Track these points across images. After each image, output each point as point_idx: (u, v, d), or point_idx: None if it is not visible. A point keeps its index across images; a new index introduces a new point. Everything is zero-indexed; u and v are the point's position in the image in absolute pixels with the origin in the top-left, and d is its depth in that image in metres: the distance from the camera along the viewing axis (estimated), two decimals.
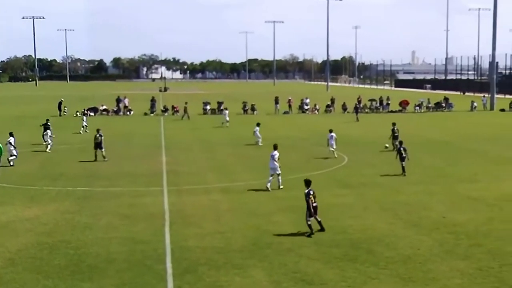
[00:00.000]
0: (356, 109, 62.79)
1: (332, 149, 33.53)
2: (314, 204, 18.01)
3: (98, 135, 32.86)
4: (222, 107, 65.09)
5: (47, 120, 39.71)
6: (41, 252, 16.30)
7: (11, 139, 31.40)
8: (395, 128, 36.11)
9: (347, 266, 14.98)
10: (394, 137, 35.35)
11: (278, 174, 24.80)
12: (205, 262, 15.33)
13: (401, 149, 28.11)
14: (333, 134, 33.78)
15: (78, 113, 65.52)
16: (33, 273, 14.63)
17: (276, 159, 24.76)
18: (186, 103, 63.48)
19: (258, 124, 39.51)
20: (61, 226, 19.00)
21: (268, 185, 24.38)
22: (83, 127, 47.82)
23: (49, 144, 36.59)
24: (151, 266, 15.05)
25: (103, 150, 32.69)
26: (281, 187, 24.64)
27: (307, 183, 18.55)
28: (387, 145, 36.29)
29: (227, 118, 53.45)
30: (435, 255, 15.84)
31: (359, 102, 73.10)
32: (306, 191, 18.19)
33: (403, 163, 27.83)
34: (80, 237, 17.75)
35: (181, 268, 14.90)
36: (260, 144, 37.95)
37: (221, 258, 15.64)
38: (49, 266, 15.17)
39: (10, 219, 19.98)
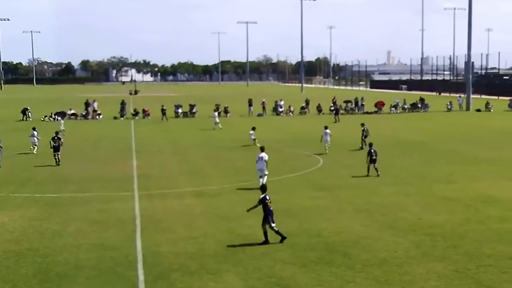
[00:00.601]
0: (336, 110, 63.54)
1: (327, 145, 35.59)
2: (271, 209, 17.57)
3: (56, 138, 32.89)
4: (218, 110, 64.69)
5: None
6: (8, 260, 16.08)
7: None
8: (365, 128, 37.83)
9: (322, 269, 15.04)
10: (365, 136, 37.28)
11: (265, 175, 24.88)
12: (178, 268, 15.28)
13: (372, 151, 28.33)
14: (328, 130, 36.21)
15: (46, 118, 64.92)
16: (0, 283, 14.46)
17: (265, 160, 25.05)
18: (163, 105, 63.94)
19: (253, 128, 40.17)
20: (28, 234, 18.77)
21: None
22: (61, 131, 47.67)
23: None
24: (122, 273, 14.95)
25: (59, 153, 32.58)
26: None
27: (263, 188, 18.24)
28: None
29: (217, 120, 53.67)
30: (412, 257, 15.98)
31: (334, 103, 73.62)
32: (262, 196, 17.67)
33: (375, 164, 28.10)
34: (48, 244, 17.56)
35: (153, 274, 14.83)
36: (257, 144, 37.62)
37: (194, 263, 15.59)
38: (16, 274, 14.97)
39: None
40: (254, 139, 39.59)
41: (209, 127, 53.71)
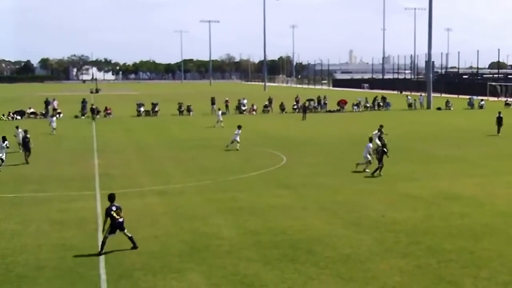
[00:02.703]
0: (304, 109, 64.26)
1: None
2: (120, 220, 16.39)
3: (25, 136, 32.70)
4: (216, 108, 63.60)
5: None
6: None
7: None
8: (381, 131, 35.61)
9: (287, 267, 15.09)
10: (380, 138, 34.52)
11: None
12: (141, 267, 15.16)
13: (383, 150, 28.24)
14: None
15: (4, 117, 63.79)
16: None
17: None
18: (92, 104, 65.80)
19: (239, 127, 38.30)
20: None
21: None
22: (53, 129, 47.76)
23: None
24: (84, 273, 14.76)
25: (29, 153, 32.41)
26: None
27: (111, 198, 16.85)
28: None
29: (221, 118, 53.30)
30: (375, 254, 16.14)
31: (297, 102, 74.05)
32: (108, 206, 16.57)
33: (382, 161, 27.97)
34: (7, 245, 17.23)
35: (116, 274, 14.68)
36: (238, 148, 36.65)
37: (157, 262, 15.49)
38: None
39: None
40: (238, 143, 37.03)
41: (170, 126, 53.43)
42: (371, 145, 29.25)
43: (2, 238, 17.94)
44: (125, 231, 16.54)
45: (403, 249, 16.48)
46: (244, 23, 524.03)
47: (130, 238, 16.56)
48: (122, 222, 16.47)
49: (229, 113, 69.73)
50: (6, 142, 30.80)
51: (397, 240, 17.33)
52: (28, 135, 33.50)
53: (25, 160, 32.14)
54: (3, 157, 30.11)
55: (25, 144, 32.85)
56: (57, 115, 66.37)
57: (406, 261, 15.43)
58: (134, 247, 16.51)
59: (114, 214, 16.34)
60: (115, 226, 16.33)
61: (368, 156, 28.76)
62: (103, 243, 16.29)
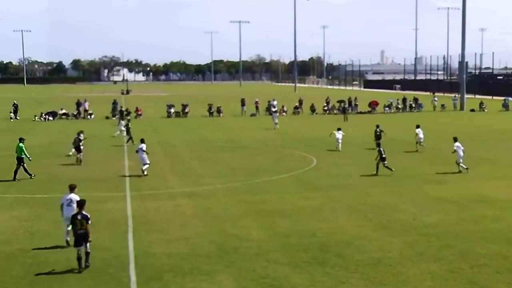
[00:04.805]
0: (344, 110, 64.65)
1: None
2: (80, 232, 15.28)
3: (77, 138, 33.28)
4: (273, 110, 64.34)
5: None
6: None
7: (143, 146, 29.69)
8: (378, 129, 37.49)
9: (316, 270, 15.05)
10: (377, 137, 37.04)
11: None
12: (170, 268, 15.26)
13: (381, 150, 28.68)
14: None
15: (36, 117, 64.76)
16: None
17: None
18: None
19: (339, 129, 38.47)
20: (18, 235, 18.71)
21: None
22: (120, 131, 46.34)
23: None
24: (114, 274, 14.92)
25: (81, 154, 32.88)
26: None
27: (79, 204, 16.06)
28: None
29: (276, 121, 53.49)
30: (406, 257, 16.01)
31: (328, 103, 73.82)
32: (73, 213, 15.88)
33: (385, 162, 28.30)
34: (39, 245, 17.48)
35: (146, 275, 14.80)
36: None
37: (187, 264, 15.57)
38: (6, 276, 14.92)
39: None
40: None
41: (200, 127, 53.68)
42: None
43: (34, 238, 18.22)
44: (81, 247, 15.26)
45: (434, 253, 16.32)
46: (274, 23, 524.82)
47: (87, 254, 15.35)
48: (84, 235, 15.29)
49: (259, 114, 69.79)
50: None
51: (428, 244, 17.16)
52: (80, 137, 33.73)
53: (77, 161, 32.62)
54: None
55: (78, 147, 33.10)
56: (89, 116, 67.21)
57: (437, 266, 15.28)
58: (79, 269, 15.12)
59: (80, 225, 15.32)
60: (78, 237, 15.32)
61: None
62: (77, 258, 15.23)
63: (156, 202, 23.11)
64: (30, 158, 28.89)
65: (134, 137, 40.45)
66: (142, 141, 30.15)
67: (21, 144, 28.85)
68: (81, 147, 33.08)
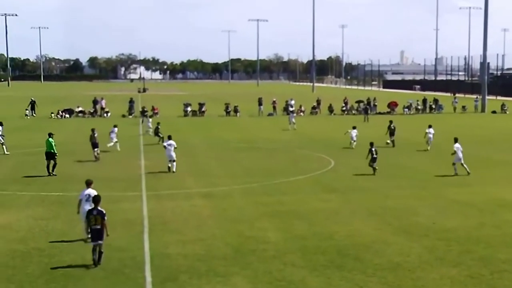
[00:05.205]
0: (366, 110, 65.16)
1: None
2: (94, 227, 15.77)
3: (93, 134, 34.17)
4: (291, 109, 64.74)
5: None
6: (14, 260, 16.15)
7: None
8: (392, 125, 39.63)
9: (333, 273, 15.00)
10: (391, 133, 39.47)
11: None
12: (186, 270, 15.29)
13: (373, 150, 29.08)
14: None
15: (53, 115, 65.23)
16: (5, 283, 14.50)
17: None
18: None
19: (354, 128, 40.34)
20: (34, 233, 18.85)
21: None
22: (148, 129, 47.55)
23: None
24: (129, 274, 14.98)
25: (97, 149, 33.85)
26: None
27: (96, 200, 16.36)
28: (388, 141, 39.63)
29: (294, 121, 53.57)
30: (425, 262, 15.92)
31: (346, 103, 73.60)
32: (89, 208, 16.30)
33: (374, 164, 28.95)
34: (54, 244, 17.60)
35: (161, 276, 14.84)
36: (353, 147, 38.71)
37: (203, 265, 15.60)
38: (22, 274, 15.03)
39: None
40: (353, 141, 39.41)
41: (216, 127, 53.76)
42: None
43: (49, 237, 18.33)
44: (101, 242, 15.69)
45: (454, 258, 16.21)
46: (292, 22, 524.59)
47: (100, 254, 15.70)
48: (99, 230, 15.73)
49: (276, 114, 69.74)
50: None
51: (448, 249, 17.05)
52: (95, 132, 34.56)
53: (94, 157, 33.59)
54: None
55: (95, 143, 34.05)
56: (105, 114, 67.57)
57: (457, 271, 15.17)
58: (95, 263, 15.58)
59: (93, 220, 15.75)
60: (92, 233, 15.79)
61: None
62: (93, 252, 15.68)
63: (172, 202, 23.17)
64: (57, 154, 29.55)
65: (150, 136, 40.63)
66: (170, 137, 30.82)
67: (50, 139, 29.62)
68: (98, 143, 34.03)
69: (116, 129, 38.63)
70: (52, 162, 29.07)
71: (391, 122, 40.50)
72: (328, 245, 17.44)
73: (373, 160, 28.94)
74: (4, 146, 36.58)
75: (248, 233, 18.69)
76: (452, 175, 28.53)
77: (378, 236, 18.42)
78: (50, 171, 28.94)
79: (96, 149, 33.73)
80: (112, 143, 37.42)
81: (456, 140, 29.65)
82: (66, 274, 15.06)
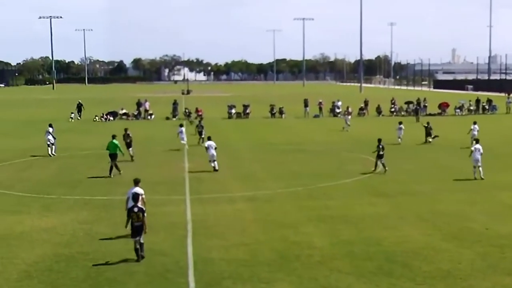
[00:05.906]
0: (416, 110, 66.19)
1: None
2: (136, 224, 16.56)
3: (126, 135, 35.45)
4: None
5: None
6: (58, 264, 16.47)
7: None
8: (429, 126, 42.78)
9: (381, 280, 14.87)
10: (427, 133, 42.47)
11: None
12: (230, 275, 15.35)
13: (380, 146, 29.72)
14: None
15: (97, 118, 66.30)
16: (49, 287, 14.79)
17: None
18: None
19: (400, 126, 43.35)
20: (79, 237, 19.19)
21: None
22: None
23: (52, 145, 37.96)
24: (173, 279, 15.11)
25: (131, 149, 35.14)
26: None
27: (136, 198, 17.19)
28: (430, 139, 41.95)
29: (349, 123, 53.86)
30: (477, 270, 15.65)
31: (394, 104, 72.84)
32: (130, 206, 17.06)
33: (382, 160, 29.66)
34: (98, 248, 17.89)
35: (204, 281, 14.94)
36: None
37: (246, 271, 15.64)
38: (66, 279, 15.31)
39: (25, 229, 20.20)
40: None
41: (261, 129, 53.82)
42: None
43: (93, 241, 18.64)
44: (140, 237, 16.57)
45: (509, 266, 15.90)
46: (339, 20, 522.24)
47: (136, 250, 16.52)
48: (138, 227, 16.54)
49: (323, 115, 69.50)
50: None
51: (502, 256, 16.73)
52: (129, 133, 35.71)
53: (131, 156, 34.85)
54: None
55: (129, 143, 35.33)
56: (149, 117, 68.36)
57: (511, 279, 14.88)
58: (138, 259, 16.45)
59: (136, 216, 16.57)
60: (134, 229, 16.58)
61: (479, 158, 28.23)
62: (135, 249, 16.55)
63: (215, 206, 23.30)
64: (123, 153, 31.29)
65: (193, 137, 40.98)
66: (209, 138, 32.13)
67: (114, 141, 30.70)
68: (132, 143, 35.43)
69: (183, 128, 39.86)
70: (113, 163, 30.17)
71: (428, 123, 43.27)
72: (375, 251, 17.30)
73: (379, 156, 29.59)
74: (53, 147, 37.56)
75: (293, 238, 18.67)
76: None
77: (427, 242, 18.18)
78: (110, 173, 29.87)
79: (129, 149, 34.88)
80: (184, 141, 39.14)
81: (477, 141, 29.12)
82: (110, 278, 15.28)
